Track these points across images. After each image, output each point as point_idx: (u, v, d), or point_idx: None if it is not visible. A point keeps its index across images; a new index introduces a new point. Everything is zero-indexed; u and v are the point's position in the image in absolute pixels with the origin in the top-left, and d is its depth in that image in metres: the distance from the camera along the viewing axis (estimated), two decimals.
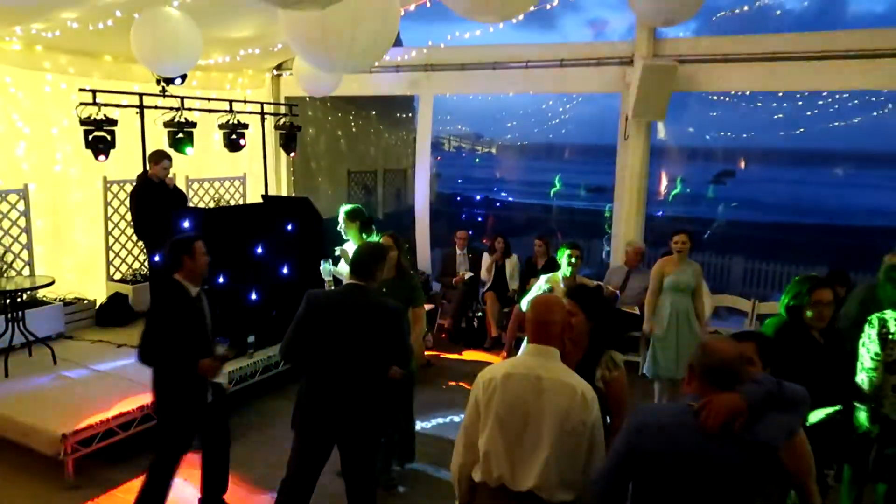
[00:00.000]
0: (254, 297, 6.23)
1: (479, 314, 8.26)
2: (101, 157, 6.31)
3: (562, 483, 2.59)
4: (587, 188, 24.22)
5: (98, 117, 6.22)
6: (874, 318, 4.17)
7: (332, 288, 5.39)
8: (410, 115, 13.87)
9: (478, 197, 20.96)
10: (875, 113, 7.75)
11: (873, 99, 7.55)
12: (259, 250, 6.30)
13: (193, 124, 7.14)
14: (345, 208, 5.70)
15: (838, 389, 3.75)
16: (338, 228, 5.70)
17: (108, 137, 6.29)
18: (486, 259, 8.31)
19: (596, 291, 3.45)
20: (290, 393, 5.87)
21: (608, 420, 3.07)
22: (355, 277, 3.54)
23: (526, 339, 2.82)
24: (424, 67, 8.56)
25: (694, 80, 7.22)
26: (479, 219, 18.10)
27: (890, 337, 4.01)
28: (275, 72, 9.49)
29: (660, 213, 15.82)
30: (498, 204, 21.08)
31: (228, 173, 8.92)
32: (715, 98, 7.96)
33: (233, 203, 8.77)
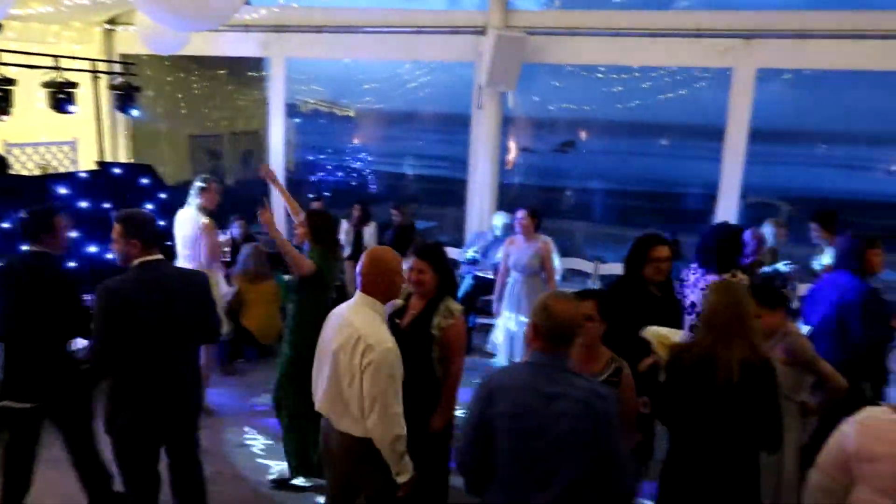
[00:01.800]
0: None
1: (338, 282, 8.18)
2: None
3: (347, 414, 2.90)
4: (444, 157, 24.59)
5: None
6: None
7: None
8: (262, 72, 13.22)
9: (335, 164, 20.57)
10: (696, 85, 8.46)
11: (695, 73, 8.24)
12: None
13: (11, 81, 6.37)
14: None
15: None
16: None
17: None
18: (343, 226, 8.24)
19: (438, 247, 3.63)
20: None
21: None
22: (151, 251, 3.19)
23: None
24: (276, 28, 8.19)
25: (543, 52, 7.50)
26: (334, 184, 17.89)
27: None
28: (106, 26, 8.66)
29: (513, 182, 16.44)
30: (355, 171, 20.83)
31: (56, 137, 8.08)
32: (561, 66, 8.30)
33: (62, 170, 7.97)
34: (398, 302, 3.52)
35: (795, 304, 5.83)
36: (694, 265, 4.48)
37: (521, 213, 5.67)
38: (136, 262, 3.15)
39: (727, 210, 7.09)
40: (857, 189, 21.47)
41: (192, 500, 3.51)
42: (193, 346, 3.40)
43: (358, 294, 2.96)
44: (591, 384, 2.49)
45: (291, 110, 8.95)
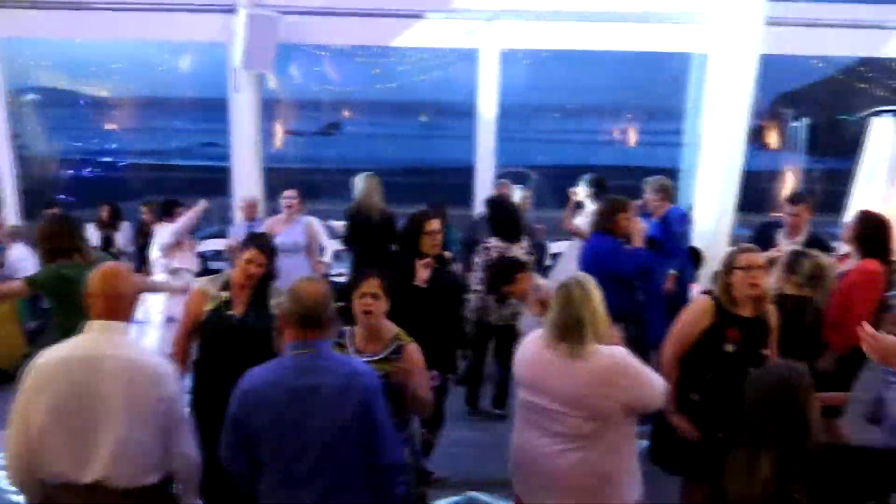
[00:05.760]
0: None
1: None
2: None
3: (140, 467, 2.43)
4: (203, 144, 23.23)
5: None
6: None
7: None
8: None
9: (79, 158, 18.34)
10: (450, 68, 8.94)
11: (449, 57, 8.69)
12: None
13: None
14: None
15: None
16: None
17: None
18: (91, 229, 7.49)
19: (267, 237, 3.71)
20: None
21: None
22: None
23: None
24: None
25: (298, 32, 7.41)
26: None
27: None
28: None
29: (279, 166, 16.08)
30: (106, 165, 18.80)
31: None
32: (321, 53, 8.29)
33: None
34: (222, 294, 3.38)
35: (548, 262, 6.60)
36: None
37: (291, 192, 5.77)
38: None
39: (484, 183, 7.61)
40: (592, 158, 24.22)
41: None
42: None
43: (102, 323, 2.46)
44: (350, 365, 2.52)
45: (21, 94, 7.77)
